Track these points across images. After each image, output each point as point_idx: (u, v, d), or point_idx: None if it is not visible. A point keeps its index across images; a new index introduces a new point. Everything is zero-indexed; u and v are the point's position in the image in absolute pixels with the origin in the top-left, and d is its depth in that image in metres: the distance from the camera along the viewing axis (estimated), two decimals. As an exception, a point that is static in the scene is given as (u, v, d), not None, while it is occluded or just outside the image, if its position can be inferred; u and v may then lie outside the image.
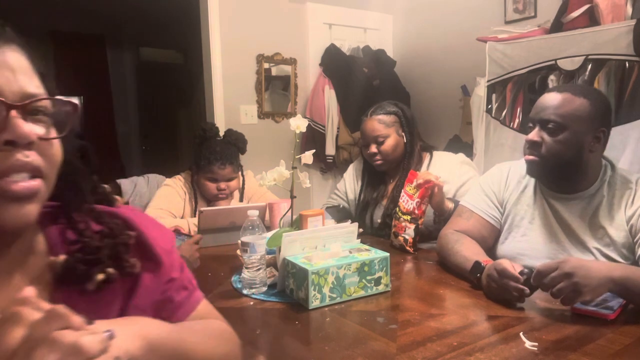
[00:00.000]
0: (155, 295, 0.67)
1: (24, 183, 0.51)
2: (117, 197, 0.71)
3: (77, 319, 0.46)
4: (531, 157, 1.29)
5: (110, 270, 0.60)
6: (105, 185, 0.69)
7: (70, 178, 0.61)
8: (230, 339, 0.74)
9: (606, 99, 1.33)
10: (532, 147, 1.28)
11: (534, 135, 1.27)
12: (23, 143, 0.50)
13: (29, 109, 0.53)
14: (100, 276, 0.59)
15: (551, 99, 1.26)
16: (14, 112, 0.50)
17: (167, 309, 0.68)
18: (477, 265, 1.19)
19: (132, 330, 0.54)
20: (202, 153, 1.95)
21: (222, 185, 1.95)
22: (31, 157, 0.52)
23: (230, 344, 0.73)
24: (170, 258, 0.69)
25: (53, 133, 0.56)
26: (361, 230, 1.66)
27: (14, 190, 0.50)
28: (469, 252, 1.29)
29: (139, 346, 0.53)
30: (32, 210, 0.53)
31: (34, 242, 0.60)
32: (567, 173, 1.28)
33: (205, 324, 0.72)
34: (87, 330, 0.46)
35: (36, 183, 0.53)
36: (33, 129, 0.52)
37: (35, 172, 0.53)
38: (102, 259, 0.60)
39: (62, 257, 0.58)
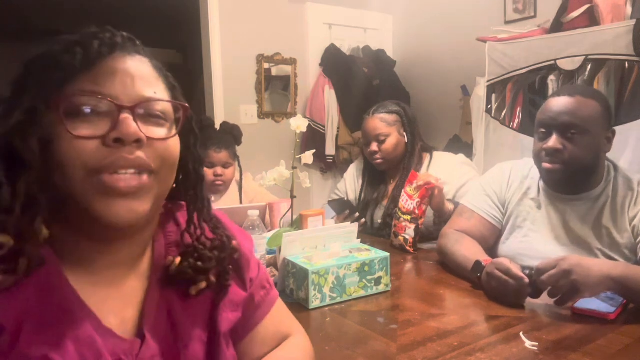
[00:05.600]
0: (240, 295, 0.69)
1: (127, 179, 0.53)
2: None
3: None
4: (552, 165, 1.23)
5: (212, 279, 0.63)
6: None
7: (190, 184, 0.65)
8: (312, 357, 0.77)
9: (607, 99, 1.33)
10: (554, 154, 1.22)
11: (555, 142, 1.21)
12: (129, 141, 0.52)
13: (146, 112, 0.56)
14: (203, 284, 0.62)
15: (564, 103, 1.22)
16: (124, 114, 0.53)
17: (249, 308, 0.70)
18: (478, 265, 1.19)
19: None
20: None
21: (219, 170, 1.95)
22: (137, 154, 0.53)
23: None
24: (252, 260, 0.72)
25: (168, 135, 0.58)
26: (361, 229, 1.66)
27: (118, 186, 0.52)
28: (469, 251, 1.28)
29: None
30: (138, 206, 0.54)
31: (149, 239, 0.62)
32: (585, 176, 1.26)
33: (290, 355, 0.73)
34: None
35: (141, 179, 0.54)
36: (145, 130, 0.54)
37: (141, 169, 0.54)
38: (210, 269, 0.63)
39: (178, 260, 0.61)
